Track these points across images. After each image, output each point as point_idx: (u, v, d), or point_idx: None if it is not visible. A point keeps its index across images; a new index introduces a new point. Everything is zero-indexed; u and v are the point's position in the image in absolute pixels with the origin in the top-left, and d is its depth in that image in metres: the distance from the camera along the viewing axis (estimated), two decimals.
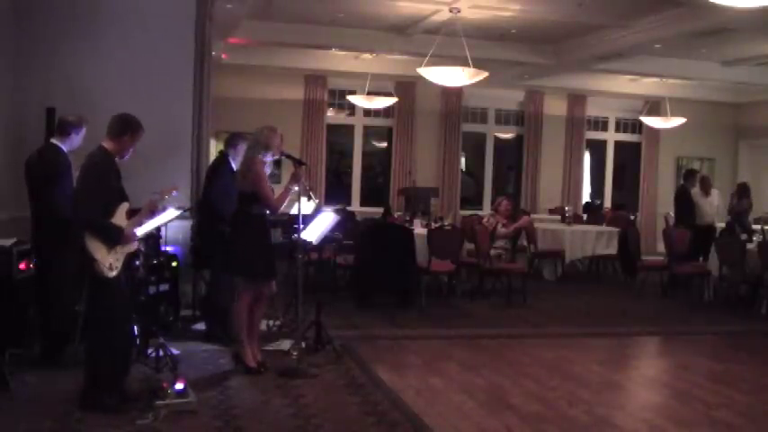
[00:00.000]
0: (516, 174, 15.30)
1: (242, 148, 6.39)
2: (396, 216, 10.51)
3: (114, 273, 4.45)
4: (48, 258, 5.28)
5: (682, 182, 11.36)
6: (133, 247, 4.72)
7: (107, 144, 4.52)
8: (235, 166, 6.43)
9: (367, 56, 12.69)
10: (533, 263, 10.70)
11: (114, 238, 4.43)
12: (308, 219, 5.87)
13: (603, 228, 11.55)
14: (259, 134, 5.48)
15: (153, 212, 4.77)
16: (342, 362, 5.83)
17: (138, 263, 5.63)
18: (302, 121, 13.49)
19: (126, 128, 4.54)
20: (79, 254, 4.38)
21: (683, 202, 10.71)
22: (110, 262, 4.40)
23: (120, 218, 4.51)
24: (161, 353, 5.35)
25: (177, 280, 6.78)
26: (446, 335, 7.20)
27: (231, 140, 6.57)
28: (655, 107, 14.94)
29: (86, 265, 4.37)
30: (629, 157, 15.94)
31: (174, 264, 6.75)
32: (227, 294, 6.33)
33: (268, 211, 5.48)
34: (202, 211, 6.62)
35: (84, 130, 5.43)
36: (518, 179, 15.16)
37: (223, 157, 6.51)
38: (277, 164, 5.88)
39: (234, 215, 5.57)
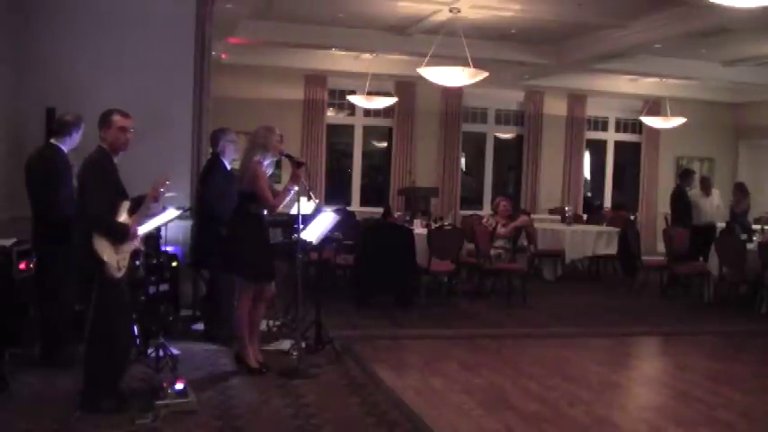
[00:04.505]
0: (516, 174, 15.30)
1: (224, 142, 6.41)
2: (396, 216, 10.50)
3: (122, 272, 4.48)
4: (48, 258, 5.28)
5: (678, 182, 11.34)
6: (136, 244, 4.73)
7: (102, 143, 4.55)
8: (227, 162, 6.45)
9: (367, 56, 12.69)
10: (533, 263, 10.70)
11: (122, 234, 4.46)
12: (308, 219, 5.87)
13: (603, 228, 11.56)
14: (256, 134, 5.47)
15: (156, 200, 4.78)
16: (342, 362, 5.83)
17: (138, 263, 5.63)
18: (302, 121, 13.49)
19: (100, 124, 4.54)
20: (84, 258, 4.38)
21: (680, 202, 10.71)
22: (117, 261, 4.43)
23: (122, 215, 4.52)
24: (161, 353, 5.35)
25: (177, 280, 6.78)
26: (446, 335, 7.20)
27: (212, 139, 6.59)
28: (655, 107, 14.94)
29: (95, 270, 4.37)
30: (629, 157, 15.94)
31: (174, 264, 6.75)
32: (226, 295, 6.34)
33: (266, 211, 5.48)
34: (198, 212, 6.62)
35: (82, 129, 5.42)
36: (518, 179, 15.16)
37: (215, 158, 6.51)
38: (277, 164, 5.86)
39: (233, 214, 5.57)
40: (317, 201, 7.01)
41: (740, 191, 11.14)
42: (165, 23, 7.05)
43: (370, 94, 12.62)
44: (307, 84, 13.53)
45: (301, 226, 5.57)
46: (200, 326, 6.60)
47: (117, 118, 4.55)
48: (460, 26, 9.68)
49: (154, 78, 6.92)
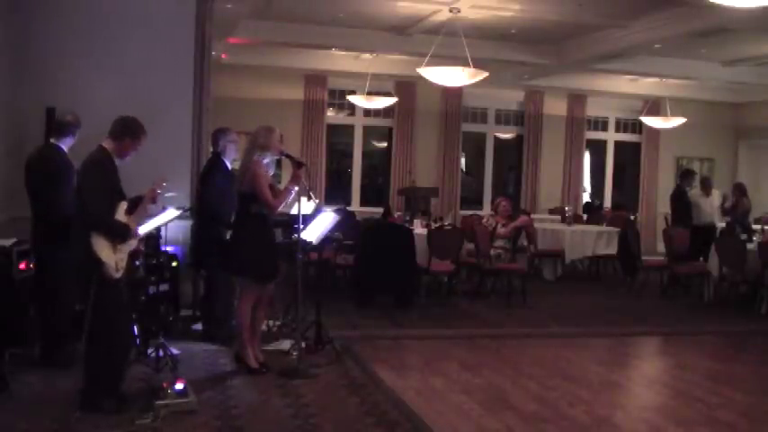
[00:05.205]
0: (516, 174, 15.30)
1: (225, 142, 6.41)
2: (396, 216, 10.50)
3: (120, 273, 4.47)
4: (48, 258, 5.27)
5: (678, 182, 11.34)
6: (134, 245, 4.73)
7: (107, 144, 4.54)
8: (228, 162, 6.44)
9: (367, 56, 12.69)
10: (533, 263, 10.70)
11: (123, 234, 4.47)
12: (308, 219, 5.87)
13: (603, 228, 11.56)
14: (256, 135, 5.47)
15: (153, 201, 4.79)
16: (342, 362, 5.83)
17: (138, 263, 5.63)
18: (302, 121, 13.49)
19: (126, 131, 4.55)
20: (83, 258, 4.38)
21: (680, 202, 10.70)
22: (115, 261, 4.42)
23: (119, 216, 4.51)
24: (161, 353, 5.35)
25: (177, 280, 6.78)
26: (446, 335, 7.20)
27: (213, 139, 6.60)
28: (655, 107, 14.94)
29: (93, 269, 4.37)
30: (629, 157, 15.94)
31: (174, 264, 6.75)
32: (223, 295, 6.34)
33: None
34: (198, 212, 6.62)
35: (80, 129, 5.42)
36: (518, 179, 15.16)
37: (215, 158, 6.50)
38: (277, 164, 5.87)
39: (236, 215, 5.57)
40: (317, 201, 7.02)
41: (739, 191, 11.15)
42: (165, 23, 7.05)
43: (370, 94, 12.62)
44: (307, 84, 13.53)
45: (301, 226, 5.57)
46: (200, 326, 6.60)
47: (144, 139, 4.62)
48: (460, 26, 9.68)
49: (154, 78, 6.91)
